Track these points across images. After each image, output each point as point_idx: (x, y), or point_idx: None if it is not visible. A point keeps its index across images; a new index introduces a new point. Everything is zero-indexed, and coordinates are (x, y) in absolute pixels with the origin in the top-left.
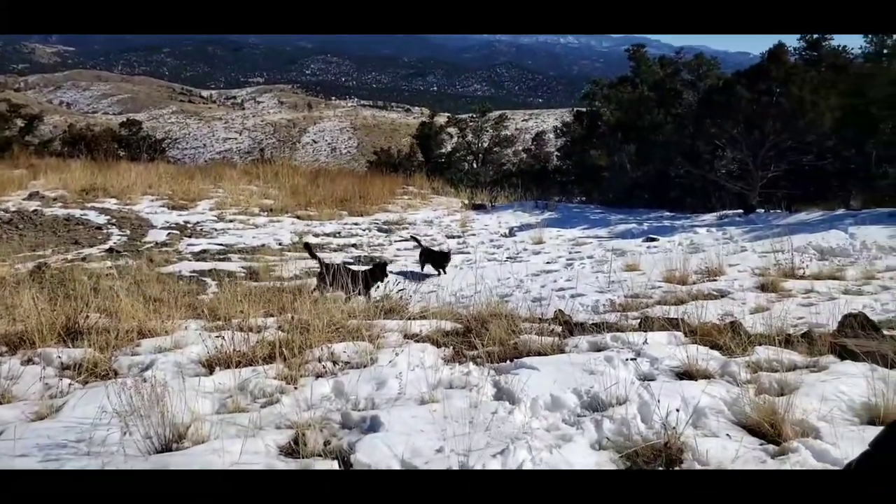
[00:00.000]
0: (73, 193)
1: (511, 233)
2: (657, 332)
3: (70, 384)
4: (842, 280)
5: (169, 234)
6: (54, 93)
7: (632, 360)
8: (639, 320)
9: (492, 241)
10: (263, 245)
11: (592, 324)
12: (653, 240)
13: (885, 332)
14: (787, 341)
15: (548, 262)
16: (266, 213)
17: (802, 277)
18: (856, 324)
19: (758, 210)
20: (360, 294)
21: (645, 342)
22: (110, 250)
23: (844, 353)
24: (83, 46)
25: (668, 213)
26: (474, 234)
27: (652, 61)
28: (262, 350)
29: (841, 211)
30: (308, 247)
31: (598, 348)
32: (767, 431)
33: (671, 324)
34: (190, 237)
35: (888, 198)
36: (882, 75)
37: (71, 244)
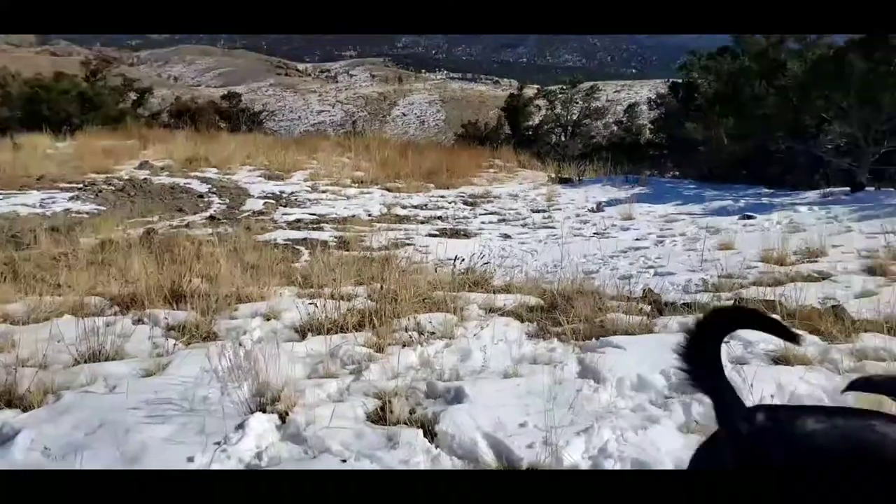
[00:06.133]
0: (178, 163)
1: (599, 208)
2: None
3: (175, 344)
4: None
5: (265, 203)
6: (163, 67)
7: (724, 342)
8: (732, 301)
9: (578, 216)
10: (354, 216)
11: (683, 304)
12: (749, 217)
13: None
14: None
15: (637, 239)
16: (357, 185)
17: None
18: None
19: (867, 188)
20: None
21: None
22: (211, 218)
23: None
24: None
25: (766, 190)
26: (560, 209)
27: None
28: (352, 318)
29: None
30: None
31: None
32: None
33: (767, 306)
34: (285, 206)
35: None
36: None
37: (176, 211)
